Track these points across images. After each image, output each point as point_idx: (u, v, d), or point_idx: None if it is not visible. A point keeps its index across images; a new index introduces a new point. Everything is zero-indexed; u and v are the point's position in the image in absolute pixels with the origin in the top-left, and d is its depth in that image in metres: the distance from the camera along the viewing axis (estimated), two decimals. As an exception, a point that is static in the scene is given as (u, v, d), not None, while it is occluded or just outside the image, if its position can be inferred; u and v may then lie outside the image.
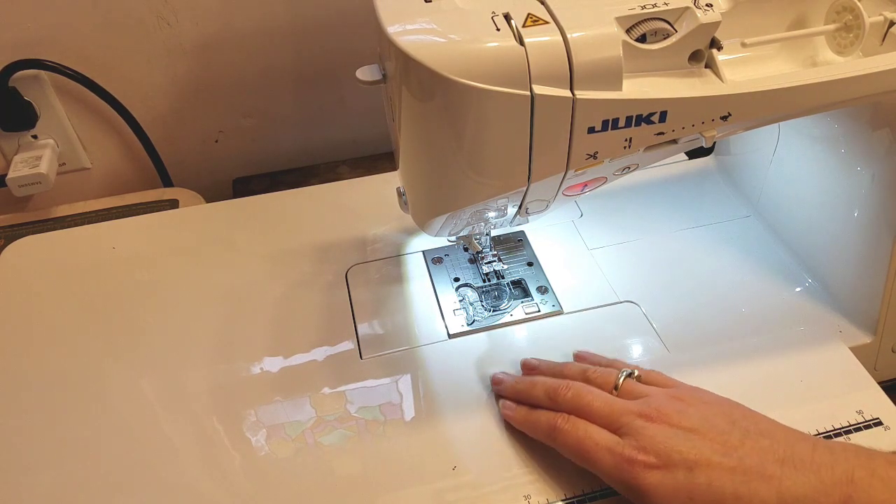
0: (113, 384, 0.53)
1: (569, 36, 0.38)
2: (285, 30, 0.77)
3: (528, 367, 0.51)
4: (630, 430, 0.42)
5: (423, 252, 0.63)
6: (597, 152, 0.41)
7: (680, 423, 0.41)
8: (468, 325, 0.56)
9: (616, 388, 0.46)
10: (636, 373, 0.47)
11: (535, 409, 0.47)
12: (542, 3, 0.40)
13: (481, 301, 0.58)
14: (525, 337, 0.55)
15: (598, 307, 0.57)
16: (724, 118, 0.41)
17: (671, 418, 0.42)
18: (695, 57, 0.41)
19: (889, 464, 0.38)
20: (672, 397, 0.44)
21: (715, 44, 0.41)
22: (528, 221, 0.51)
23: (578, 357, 0.52)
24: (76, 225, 0.74)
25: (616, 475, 0.41)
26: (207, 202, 0.77)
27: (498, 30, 0.38)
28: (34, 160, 0.74)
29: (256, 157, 0.86)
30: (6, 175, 0.73)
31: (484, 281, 0.59)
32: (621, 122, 0.40)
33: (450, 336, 0.56)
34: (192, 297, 0.60)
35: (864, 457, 0.39)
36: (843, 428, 0.47)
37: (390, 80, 0.43)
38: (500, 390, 0.50)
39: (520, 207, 0.47)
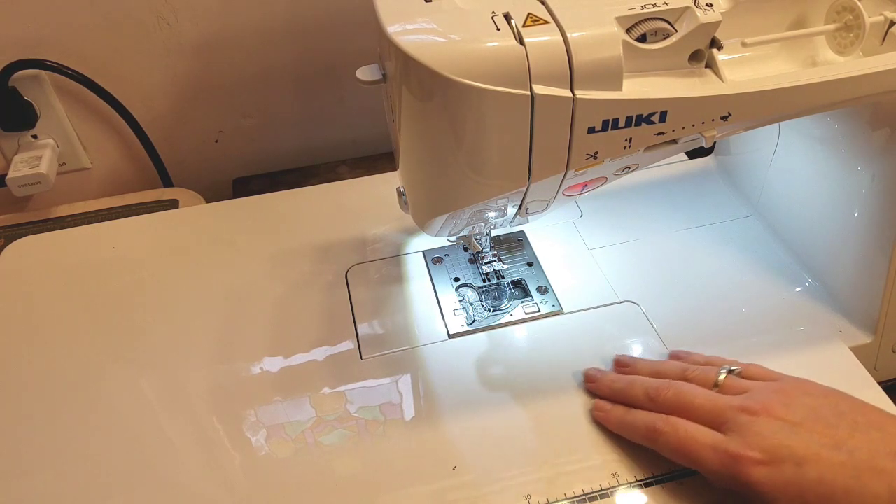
0: (113, 384, 0.53)
1: (569, 36, 0.38)
2: (285, 30, 0.77)
3: (622, 365, 0.51)
4: (734, 427, 0.41)
5: (423, 252, 0.63)
6: (597, 152, 0.41)
7: (785, 417, 0.40)
8: (468, 325, 0.56)
9: (716, 385, 0.45)
10: (737, 368, 0.46)
11: (631, 410, 0.46)
12: (542, 3, 0.40)
13: (481, 301, 0.58)
14: (525, 337, 0.55)
15: (598, 307, 0.57)
16: (724, 118, 0.41)
17: (776, 412, 0.41)
18: (695, 57, 0.41)
19: None
20: (775, 391, 0.43)
21: (715, 44, 0.41)
22: (528, 221, 0.51)
23: (674, 356, 0.51)
24: (76, 225, 0.74)
25: (722, 472, 0.41)
26: (207, 202, 0.77)
27: (498, 29, 0.38)
28: (34, 160, 0.74)
29: (256, 157, 0.86)
30: (6, 175, 0.73)
31: (484, 281, 0.59)
32: (621, 122, 0.40)
33: (450, 336, 0.55)
34: (192, 297, 0.60)
35: None
36: (843, 428, 0.47)
37: (390, 80, 0.43)
38: (594, 388, 0.49)
39: (520, 207, 0.47)
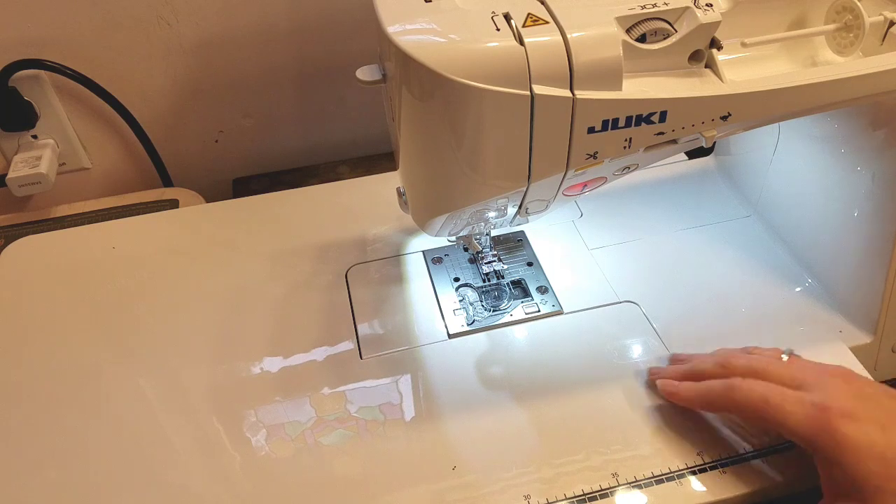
0: (113, 384, 0.53)
1: (569, 36, 0.38)
2: (285, 30, 0.77)
3: (679, 360, 0.51)
4: (815, 387, 0.42)
5: (423, 252, 0.63)
6: (597, 152, 0.41)
7: (862, 389, 0.41)
8: (468, 325, 0.56)
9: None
10: (794, 352, 0.47)
11: (700, 382, 0.47)
12: (542, 3, 0.40)
13: (481, 301, 0.58)
14: (525, 337, 0.55)
15: (598, 307, 0.57)
16: (724, 118, 0.41)
17: (853, 380, 0.42)
18: (695, 57, 0.41)
19: None
20: (835, 373, 0.43)
21: (715, 44, 0.41)
22: (528, 221, 0.51)
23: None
24: (76, 225, 0.74)
25: (807, 424, 0.40)
26: (207, 202, 0.77)
27: (498, 30, 0.38)
28: (34, 160, 0.74)
29: (256, 157, 0.86)
30: (6, 175, 0.73)
31: (484, 281, 0.59)
32: (621, 122, 0.40)
33: (450, 336, 0.55)
34: (192, 297, 0.60)
35: None
36: (843, 428, 0.47)
37: (390, 80, 0.43)
38: (661, 375, 0.50)
39: (520, 207, 0.47)
